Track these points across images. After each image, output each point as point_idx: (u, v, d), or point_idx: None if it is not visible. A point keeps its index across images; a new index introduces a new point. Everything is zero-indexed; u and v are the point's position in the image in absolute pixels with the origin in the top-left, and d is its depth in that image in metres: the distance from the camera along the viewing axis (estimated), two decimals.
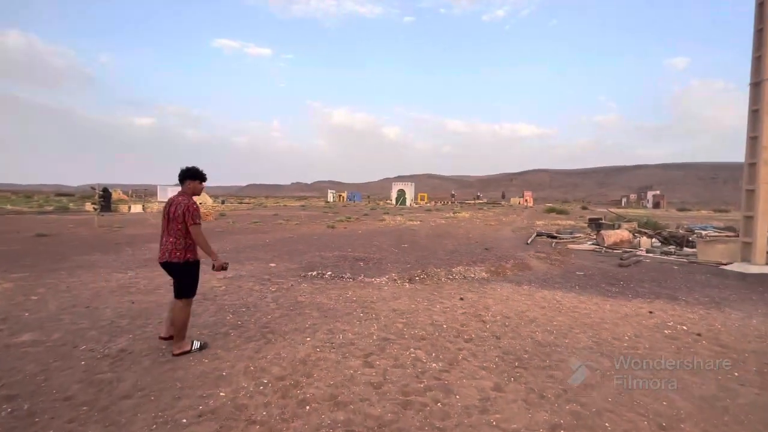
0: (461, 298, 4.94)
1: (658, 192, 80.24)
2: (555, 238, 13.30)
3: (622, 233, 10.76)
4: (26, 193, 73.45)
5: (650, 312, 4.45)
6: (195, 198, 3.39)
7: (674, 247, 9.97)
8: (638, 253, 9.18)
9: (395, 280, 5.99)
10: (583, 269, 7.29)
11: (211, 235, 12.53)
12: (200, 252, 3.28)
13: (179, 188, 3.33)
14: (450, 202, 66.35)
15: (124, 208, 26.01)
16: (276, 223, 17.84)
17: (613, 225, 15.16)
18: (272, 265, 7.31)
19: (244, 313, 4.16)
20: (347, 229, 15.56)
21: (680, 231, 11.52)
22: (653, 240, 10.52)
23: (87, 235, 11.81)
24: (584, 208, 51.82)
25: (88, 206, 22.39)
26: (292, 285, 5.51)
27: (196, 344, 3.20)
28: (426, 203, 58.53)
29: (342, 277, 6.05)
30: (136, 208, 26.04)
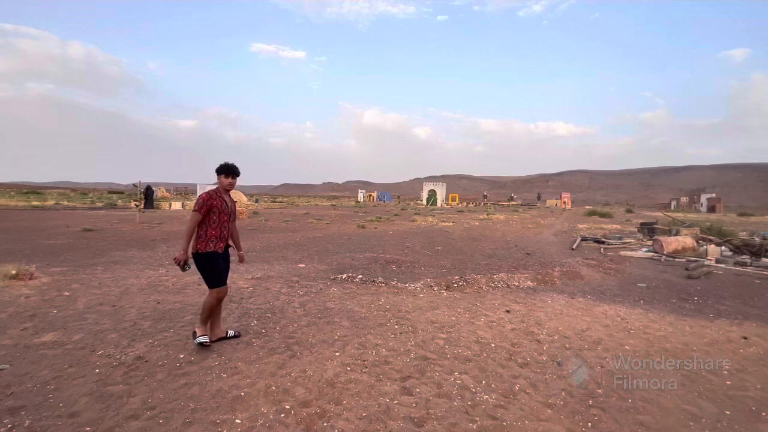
0: (508, 311, 4.38)
1: (713, 195, 73.74)
2: (602, 243, 12.23)
3: (685, 240, 9.61)
4: (83, 191, 79.69)
5: (744, 338, 3.68)
6: (232, 193, 3.46)
7: (749, 257, 8.74)
8: (706, 262, 8.09)
9: (431, 286, 5.51)
10: (645, 280, 6.43)
11: (243, 233, 12.60)
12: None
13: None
14: (482, 203, 64.50)
15: (165, 205, 27.23)
16: (307, 222, 17.82)
17: (670, 230, 13.76)
18: (301, 265, 7.05)
19: (269, 319, 3.85)
20: (378, 229, 15.20)
21: (756, 239, 10.14)
22: (722, 248, 9.30)
23: (127, 231, 12.23)
24: (629, 211, 48.42)
25: (132, 203, 23.59)
26: (321, 288, 5.18)
27: (203, 339, 3.13)
28: (457, 204, 57.25)
29: (374, 281, 5.65)
30: (176, 206, 27.16)
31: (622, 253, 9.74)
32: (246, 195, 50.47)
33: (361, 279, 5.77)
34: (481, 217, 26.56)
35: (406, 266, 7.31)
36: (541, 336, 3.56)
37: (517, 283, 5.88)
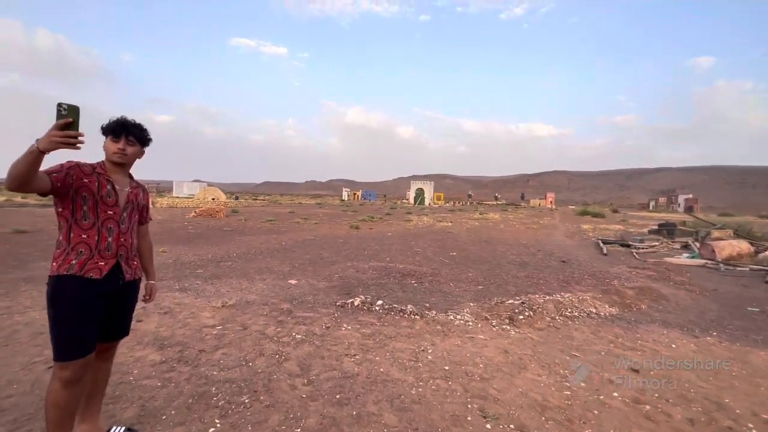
0: (634, 369, 2.75)
1: (690, 195, 75.71)
2: (629, 246, 10.93)
3: (740, 245, 8.34)
4: None
5: None
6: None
7: None
8: None
9: (485, 317, 3.83)
10: (747, 301, 4.98)
11: (218, 234, 10.61)
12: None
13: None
14: (468, 203, 63.60)
15: None
16: (293, 222, 15.88)
17: (697, 232, 12.67)
18: (292, 282, 5.26)
19: (246, 409, 2.06)
20: (374, 230, 13.46)
21: None
22: None
23: None
24: (615, 211, 48.64)
25: None
26: (327, 327, 3.41)
27: None
28: (444, 203, 56.03)
29: (402, 310, 3.92)
30: None
31: (668, 260, 8.38)
32: (225, 193, 47.58)
33: (381, 306, 4.02)
34: (476, 216, 25.24)
35: (429, 281, 5.63)
36: None
37: (593, 309, 4.29)
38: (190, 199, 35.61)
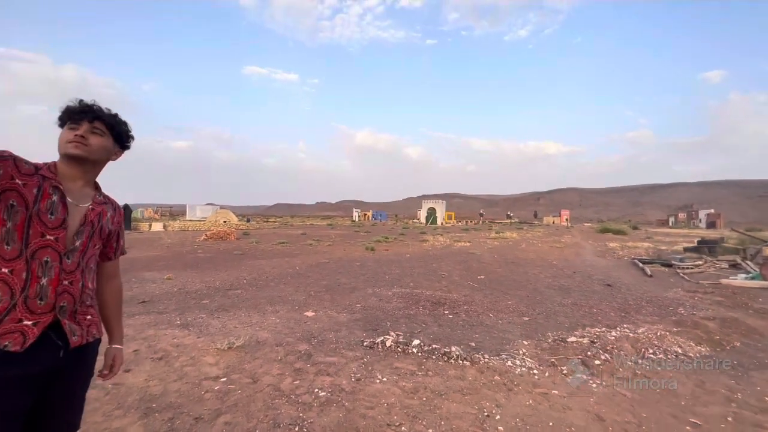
0: None
1: (712, 210, 73.13)
2: (670, 266, 9.99)
3: None
4: None
5: None
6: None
7: None
8: None
9: (551, 362, 3.08)
10: None
11: (228, 258, 10.07)
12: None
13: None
14: (480, 222, 62.42)
15: (144, 226, 24.52)
16: (305, 244, 15.31)
17: (743, 250, 11.63)
18: (309, 314, 4.59)
19: None
20: (390, 251, 12.77)
21: None
22: None
23: None
24: (634, 228, 47.05)
25: None
26: (357, 379, 2.72)
27: None
28: (456, 222, 55.04)
29: (445, 353, 3.20)
30: (157, 227, 24.49)
31: (725, 281, 7.46)
32: (237, 215, 47.71)
33: (419, 348, 3.31)
34: (493, 235, 24.32)
35: (464, 311, 4.89)
36: None
37: (678, 349, 3.49)
38: (202, 222, 35.64)
